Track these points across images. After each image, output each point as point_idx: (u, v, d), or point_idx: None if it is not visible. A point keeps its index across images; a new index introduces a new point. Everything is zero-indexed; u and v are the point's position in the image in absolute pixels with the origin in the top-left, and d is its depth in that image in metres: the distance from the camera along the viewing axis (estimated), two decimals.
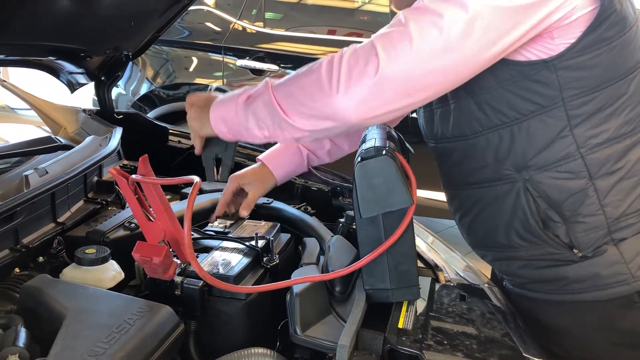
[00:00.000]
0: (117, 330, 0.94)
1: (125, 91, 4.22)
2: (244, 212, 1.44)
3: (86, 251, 1.20)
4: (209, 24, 4.04)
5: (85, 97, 2.55)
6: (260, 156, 1.55)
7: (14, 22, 1.27)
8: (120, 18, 1.61)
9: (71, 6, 1.33)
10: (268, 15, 3.99)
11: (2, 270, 1.20)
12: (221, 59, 3.89)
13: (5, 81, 2.03)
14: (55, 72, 1.86)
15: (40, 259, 1.29)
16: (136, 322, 0.97)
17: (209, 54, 3.97)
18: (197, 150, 1.29)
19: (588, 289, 1.20)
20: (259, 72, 3.76)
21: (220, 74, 3.89)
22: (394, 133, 1.30)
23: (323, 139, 1.52)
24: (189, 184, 1.13)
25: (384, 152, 1.06)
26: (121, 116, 1.90)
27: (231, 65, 3.86)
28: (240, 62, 3.81)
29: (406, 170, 1.13)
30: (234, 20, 3.91)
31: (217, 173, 1.33)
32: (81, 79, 1.87)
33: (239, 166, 1.82)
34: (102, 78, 1.86)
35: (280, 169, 1.53)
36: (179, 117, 3.92)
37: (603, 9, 1.07)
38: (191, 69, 4.04)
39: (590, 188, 1.15)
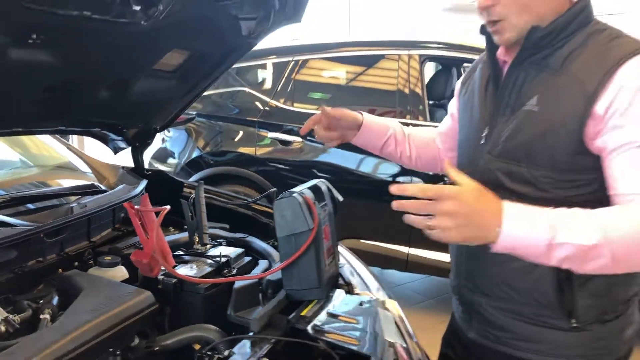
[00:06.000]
0: (112, 300, 1.49)
1: (178, 159, 4.97)
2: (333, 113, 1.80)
3: (105, 258, 1.78)
4: (249, 103, 4.76)
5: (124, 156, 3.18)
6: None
7: (71, 106, 1.91)
8: (148, 102, 2.22)
9: (110, 95, 1.95)
10: (297, 95, 4.67)
11: (51, 268, 1.67)
12: (256, 131, 4.59)
13: (70, 144, 2.69)
14: (104, 139, 2.38)
15: (76, 264, 1.76)
16: (125, 298, 1.51)
17: (248, 127, 4.69)
18: None
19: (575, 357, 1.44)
20: (285, 143, 4.43)
21: (253, 144, 4.58)
22: (322, 186, 1.82)
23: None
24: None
25: (292, 195, 1.60)
26: (149, 172, 2.49)
27: (263, 137, 4.55)
28: (271, 135, 4.49)
29: (310, 207, 1.63)
30: (268, 99, 4.61)
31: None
32: (121, 144, 2.37)
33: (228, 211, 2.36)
34: (137, 144, 2.37)
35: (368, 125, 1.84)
36: (217, 179, 4.62)
37: None
38: (236, 139, 4.74)
39: None
